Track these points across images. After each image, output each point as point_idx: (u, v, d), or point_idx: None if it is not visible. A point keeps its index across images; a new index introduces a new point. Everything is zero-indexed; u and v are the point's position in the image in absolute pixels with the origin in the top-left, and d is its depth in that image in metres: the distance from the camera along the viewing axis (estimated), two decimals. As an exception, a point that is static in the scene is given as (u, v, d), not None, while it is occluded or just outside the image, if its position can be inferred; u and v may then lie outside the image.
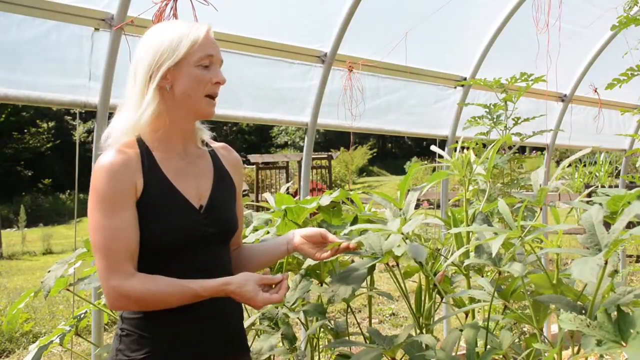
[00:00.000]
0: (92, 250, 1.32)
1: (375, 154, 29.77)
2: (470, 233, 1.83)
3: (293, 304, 1.97)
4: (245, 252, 1.60)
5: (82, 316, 2.22)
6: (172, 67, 1.35)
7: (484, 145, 2.93)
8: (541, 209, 1.64)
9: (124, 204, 1.31)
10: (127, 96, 1.40)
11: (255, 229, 2.16)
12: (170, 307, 1.31)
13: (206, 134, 1.51)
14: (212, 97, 1.40)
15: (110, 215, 1.29)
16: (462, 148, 1.89)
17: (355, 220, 1.99)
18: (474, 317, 1.92)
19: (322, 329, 2.18)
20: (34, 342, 2.73)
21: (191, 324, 1.36)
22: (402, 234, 1.68)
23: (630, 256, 8.13)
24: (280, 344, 2.01)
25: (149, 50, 1.36)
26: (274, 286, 1.35)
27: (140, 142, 1.39)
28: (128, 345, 1.35)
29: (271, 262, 1.66)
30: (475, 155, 1.86)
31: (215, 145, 1.54)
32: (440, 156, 1.93)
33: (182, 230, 1.36)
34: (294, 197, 2.75)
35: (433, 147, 1.95)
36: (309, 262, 1.91)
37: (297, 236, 1.57)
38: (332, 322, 2.15)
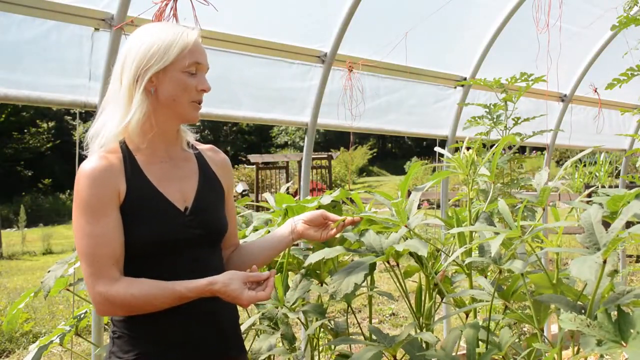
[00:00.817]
0: (78, 256, 1.32)
1: (375, 154, 29.78)
2: (473, 232, 1.83)
3: (293, 303, 1.97)
4: (245, 251, 1.59)
5: (82, 316, 2.22)
6: (160, 71, 1.34)
7: (484, 145, 2.93)
8: (544, 210, 1.64)
9: (108, 210, 1.30)
10: (111, 97, 1.39)
11: (256, 229, 2.16)
12: (157, 309, 1.30)
13: (190, 136, 1.50)
14: (197, 102, 1.40)
15: (94, 222, 1.29)
16: (466, 148, 1.89)
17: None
18: (475, 317, 1.92)
19: (322, 329, 2.18)
20: (34, 342, 2.73)
21: (182, 325, 1.36)
22: (407, 227, 1.68)
23: (630, 256, 8.13)
24: (280, 344, 2.01)
25: (138, 52, 1.34)
26: (262, 283, 1.34)
27: (124, 147, 1.38)
28: (120, 347, 1.35)
29: (276, 255, 1.64)
30: (476, 154, 1.86)
31: (202, 147, 1.54)
32: (442, 156, 1.93)
33: (166, 233, 1.35)
34: (294, 197, 2.75)
35: (437, 148, 1.95)
36: (310, 261, 1.91)
37: (299, 223, 1.58)
38: (332, 322, 2.15)
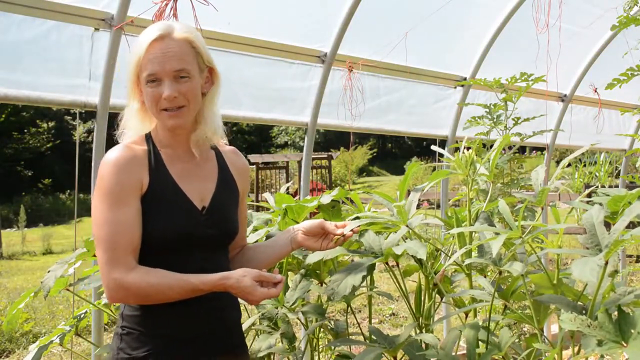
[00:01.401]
0: (95, 243, 1.34)
1: (375, 154, 29.74)
2: (473, 232, 1.83)
3: (293, 304, 1.97)
4: (249, 255, 1.61)
5: (82, 316, 2.22)
6: (139, 83, 1.39)
7: (484, 145, 2.93)
8: (542, 209, 1.64)
9: (130, 198, 1.33)
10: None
11: (255, 229, 2.15)
12: (169, 301, 1.32)
13: (218, 138, 1.51)
14: (165, 110, 1.37)
15: (115, 209, 1.31)
16: (465, 148, 1.89)
17: (356, 220, 1.99)
18: (475, 317, 1.92)
19: (322, 329, 2.18)
20: (34, 342, 2.72)
21: (192, 321, 1.38)
22: (408, 226, 1.67)
23: (630, 256, 8.13)
24: (280, 344, 2.01)
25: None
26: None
27: (149, 141, 1.42)
28: (129, 344, 1.36)
29: (276, 262, 1.67)
30: (476, 154, 1.86)
31: (225, 149, 1.56)
32: (441, 156, 1.93)
33: (183, 228, 1.37)
34: (294, 197, 2.75)
35: (434, 147, 1.95)
36: (310, 261, 1.91)
37: (299, 233, 1.59)
38: (332, 322, 2.15)
